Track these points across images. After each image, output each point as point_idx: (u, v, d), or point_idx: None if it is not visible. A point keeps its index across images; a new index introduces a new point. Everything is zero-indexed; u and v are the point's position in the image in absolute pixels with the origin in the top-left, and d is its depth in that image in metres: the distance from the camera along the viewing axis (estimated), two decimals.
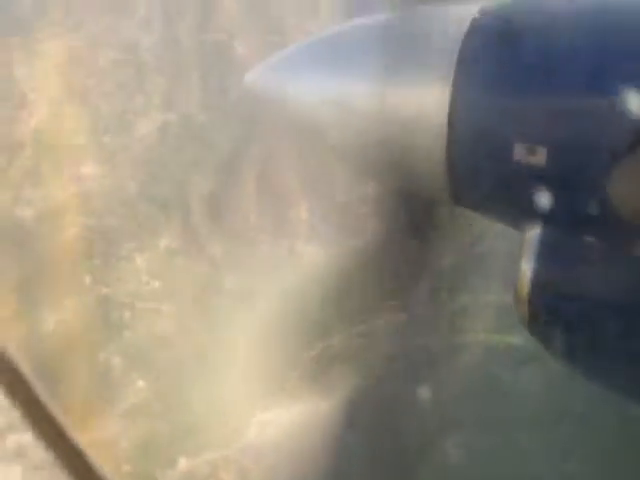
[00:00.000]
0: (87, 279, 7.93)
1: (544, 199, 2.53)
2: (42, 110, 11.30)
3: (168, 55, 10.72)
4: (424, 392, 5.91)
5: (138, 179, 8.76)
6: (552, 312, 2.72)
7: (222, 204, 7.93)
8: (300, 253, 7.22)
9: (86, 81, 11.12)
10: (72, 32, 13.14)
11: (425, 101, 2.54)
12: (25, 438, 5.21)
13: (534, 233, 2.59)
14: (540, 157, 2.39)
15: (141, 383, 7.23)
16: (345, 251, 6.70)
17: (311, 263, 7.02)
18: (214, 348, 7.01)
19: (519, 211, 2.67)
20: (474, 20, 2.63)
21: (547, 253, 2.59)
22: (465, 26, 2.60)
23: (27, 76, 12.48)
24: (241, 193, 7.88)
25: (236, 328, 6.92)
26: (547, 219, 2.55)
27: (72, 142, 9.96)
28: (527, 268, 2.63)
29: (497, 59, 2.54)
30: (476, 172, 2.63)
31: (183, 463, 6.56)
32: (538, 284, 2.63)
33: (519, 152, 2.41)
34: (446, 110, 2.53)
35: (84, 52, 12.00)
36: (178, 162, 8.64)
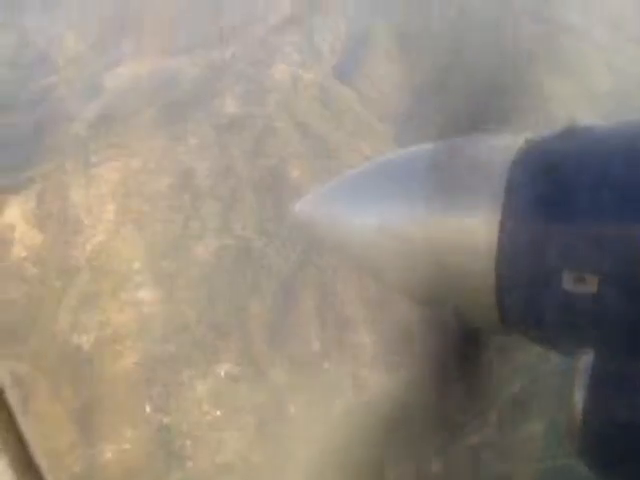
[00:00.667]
0: (147, 407, 8.09)
1: (595, 327, 2.59)
2: (98, 235, 11.77)
3: (223, 180, 11.17)
4: None
5: (196, 304, 9.03)
6: (606, 442, 2.69)
7: (282, 329, 8.11)
8: (364, 379, 7.32)
9: (142, 206, 11.60)
10: (127, 157, 13.77)
11: (474, 229, 2.65)
12: None
13: (586, 361, 2.62)
14: (590, 285, 2.47)
15: None
16: (411, 376, 6.79)
17: (376, 389, 7.10)
18: (278, 477, 7.05)
19: (570, 339, 2.70)
20: (520, 149, 2.78)
21: (599, 381, 2.60)
22: (512, 155, 2.74)
23: (83, 200, 13.05)
24: (301, 318, 8.08)
25: (300, 456, 6.97)
26: (599, 347, 2.59)
27: (129, 267, 10.32)
28: (579, 396, 2.64)
29: (545, 189, 2.65)
30: (525, 299, 2.69)
31: None
32: (591, 413, 2.62)
33: (568, 280, 2.48)
34: (495, 238, 2.63)
35: (139, 177, 12.54)
36: (236, 287, 8.90)
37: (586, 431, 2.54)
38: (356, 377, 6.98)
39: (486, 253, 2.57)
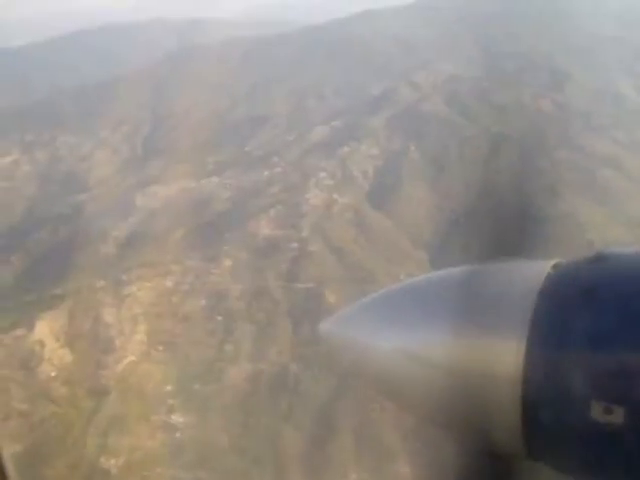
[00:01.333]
0: None
1: (622, 458, 2.68)
2: (129, 355, 11.93)
3: (257, 303, 11.43)
4: None
5: (229, 430, 9.08)
6: None
7: (318, 459, 8.12)
8: None
9: (174, 327, 11.82)
10: (160, 276, 14.09)
11: (499, 356, 2.75)
12: None
13: None
14: (617, 416, 2.56)
15: None
16: None
17: None
18: None
19: (597, 469, 2.76)
20: (548, 276, 2.89)
21: None
22: (539, 282, 2.85)
23: (114, 320, 13.29)
24: (338, 447, 8.10)
25: None
26: (627, 476, 2.66)
27: (160, 389, 10.42)
28: None
29: (572, 318, 2.75)
30: (552, 429, 2.75)
31: None
32: None
33: (595, 411, 2.56)
34: (521, 366, 2.73)
35: (172, 298, 12.82)
36: (271, 413, 8.97)
37: None
38: None
39: (512, 381, 2.68)
